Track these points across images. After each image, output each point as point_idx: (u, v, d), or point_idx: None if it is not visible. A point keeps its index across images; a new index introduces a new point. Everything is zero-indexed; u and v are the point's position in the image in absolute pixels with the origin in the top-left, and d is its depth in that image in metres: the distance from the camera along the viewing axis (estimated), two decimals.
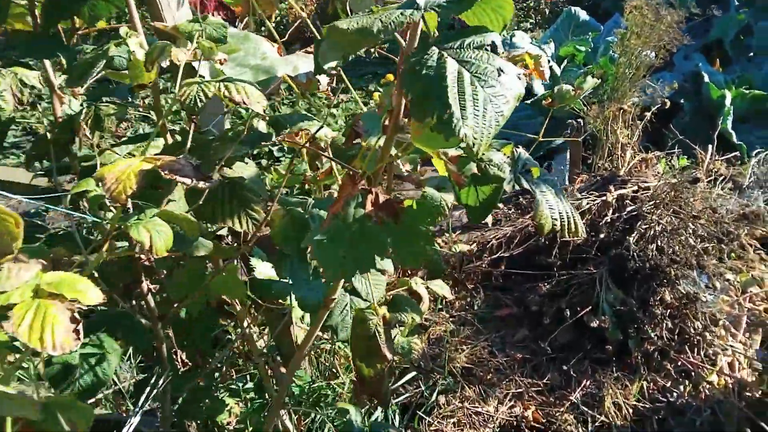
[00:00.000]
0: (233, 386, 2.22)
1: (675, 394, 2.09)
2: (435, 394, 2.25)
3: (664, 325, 2.19)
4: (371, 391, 1.23)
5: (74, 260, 0.78)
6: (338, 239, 0.89)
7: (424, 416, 2.16)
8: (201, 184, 0.70)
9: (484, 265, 2.74)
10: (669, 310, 2.23)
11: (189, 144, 0.98)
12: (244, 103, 0.80)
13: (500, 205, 3.08)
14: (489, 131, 0.60)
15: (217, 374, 2.03)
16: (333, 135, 1.05)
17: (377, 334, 1.15)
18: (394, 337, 1.45)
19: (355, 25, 0.66)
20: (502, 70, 0.62)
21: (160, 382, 1.31)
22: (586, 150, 3.41)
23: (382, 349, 1.15)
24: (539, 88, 4.11)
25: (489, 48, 0.66)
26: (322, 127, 0.96)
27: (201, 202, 1.13)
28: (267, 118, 0.99)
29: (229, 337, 2.02)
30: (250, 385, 2.23)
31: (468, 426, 2.16)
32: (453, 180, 0.84)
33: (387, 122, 0.92)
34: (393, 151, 0.98)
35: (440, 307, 2.66)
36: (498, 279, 2.72)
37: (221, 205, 1.14)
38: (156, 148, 1.30)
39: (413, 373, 2.30)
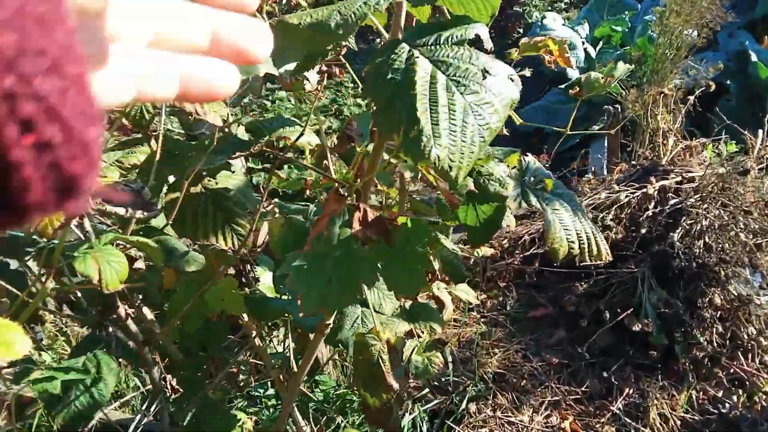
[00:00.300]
0: (253, 393, 2.14)
1: (727, 404, 1.92)
2: (465, 402, 2.12)
3: (714, 329, 2.01)
4: (378, 421, 1.11)
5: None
6: (319, 266, 0.77)
7: (453, 426, 2.04)
8: (138, 214, 0.58)
9: (516, 263, 2.59)
10: (719, 313, 2.05)
11: (158, 155, 0.87)
12: (197, 113, 0.69)
13: None
14: (471, 150, 0.46)
15: (239, 380, 1.95)
16: (317, 142, 0.93)
17: (381, 361, 1.03)
18: (412, 351, 1.33)
19: (308, 19, 0.53)
20: (487, 71, 0.48)
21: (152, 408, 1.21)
22: (625, 136, 3.20)
23: (387, 379, 1.03)
24: (573, 73, 3.91)
25: (476, 43, 0.52)
26: (302, 134, 0.83)
27: (184, 218, 1.03)
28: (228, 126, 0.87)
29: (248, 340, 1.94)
30: (271, 391, 2.16)
31: None
32: (445, 198, 0.70)
33: (375, 127, 0.80)
34: (386, 156, 0.85)
35: (470, 307, 2.52)
36: (531, 277, 2.56)
37: (204, 219, 1.03)
38: (144, 153, 1.21)
39: (442, 380, 2.18)
